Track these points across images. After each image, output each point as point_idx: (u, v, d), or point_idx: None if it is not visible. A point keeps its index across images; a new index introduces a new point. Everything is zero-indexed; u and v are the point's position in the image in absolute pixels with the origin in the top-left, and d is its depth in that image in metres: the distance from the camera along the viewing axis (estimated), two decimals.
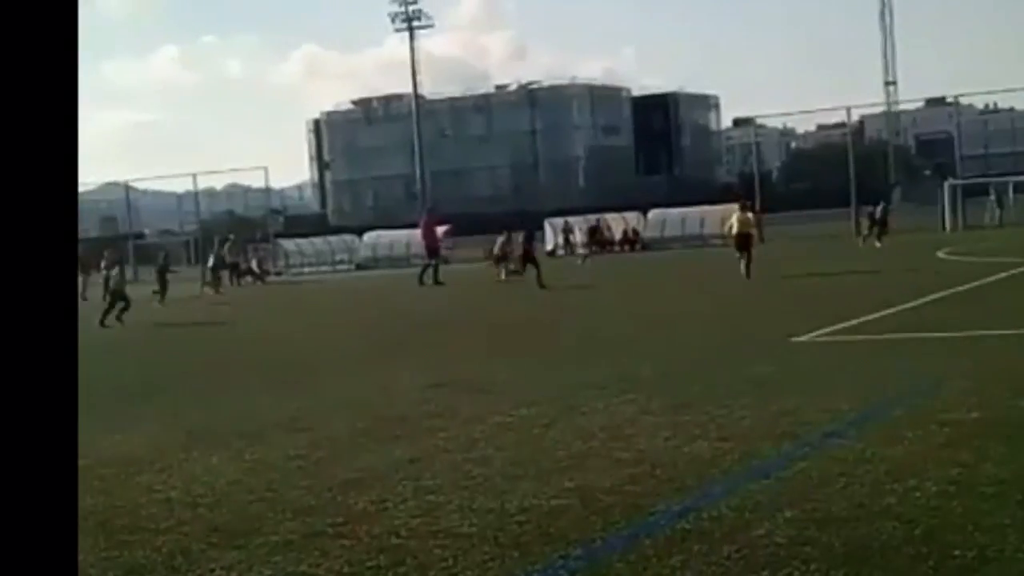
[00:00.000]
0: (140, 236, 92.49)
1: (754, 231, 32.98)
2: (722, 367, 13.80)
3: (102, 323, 28.10)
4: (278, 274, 56.96)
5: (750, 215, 32.91)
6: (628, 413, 10.85)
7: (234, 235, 50.04)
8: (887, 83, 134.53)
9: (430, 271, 38.40)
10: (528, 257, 35.48)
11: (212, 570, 6.63)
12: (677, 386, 12.41)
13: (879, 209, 49.00)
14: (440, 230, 45.35)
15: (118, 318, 28.64)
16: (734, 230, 31.29)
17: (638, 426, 10.14)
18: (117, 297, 29.38)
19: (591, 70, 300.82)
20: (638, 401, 11.46)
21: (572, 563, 6.24)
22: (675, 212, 63.29)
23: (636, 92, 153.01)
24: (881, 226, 47.55)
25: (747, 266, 30.21)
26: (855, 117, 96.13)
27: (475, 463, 9.06)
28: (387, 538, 7.04)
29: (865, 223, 50.15)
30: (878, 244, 44.62)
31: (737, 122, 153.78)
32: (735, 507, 7.12)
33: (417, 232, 45.73)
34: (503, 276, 38.46)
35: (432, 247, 39.76)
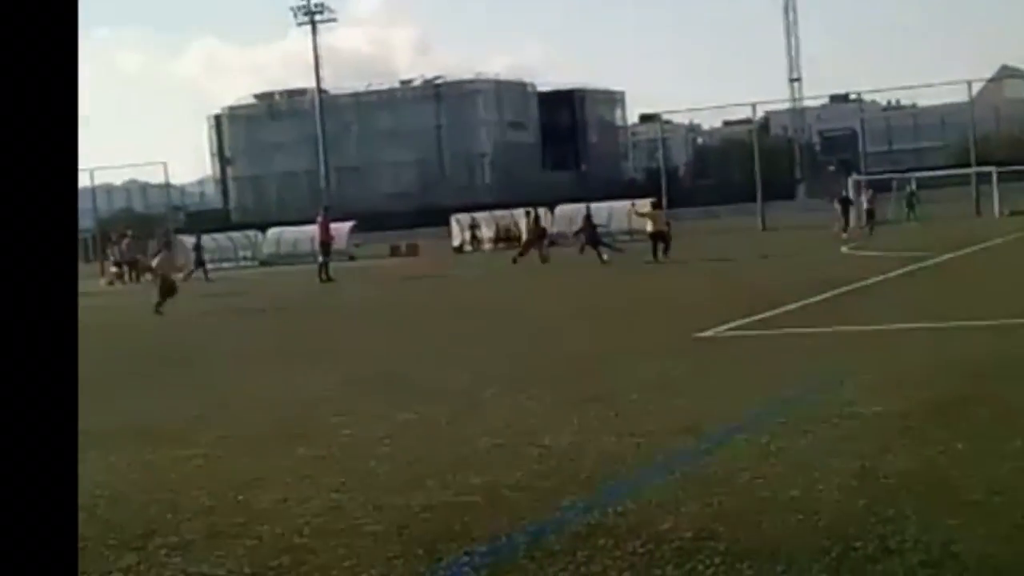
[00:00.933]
0: None
1: (666, 228, 36.64)
2: (628, 362, 13.89)
3: (156, 310, 27.70)
4: (179, 271, 56.41)
5: (662, 213, 37.17)
6: (534, 408, 10.88)
7: (132, 231, 49.33)
8: (792, 80, 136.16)
9: (325, 268, 39.95)
10: (592, 240, 36.89)
11: (109, 572, 6.54)
12: (583, 381, 12.47)
13: (866, 198, 50.50)
14: (344, 227, 45.81)
15: (159, 305, 28.01)
16: (650, 228, 35.31)
17: (544, 421, 10.16)
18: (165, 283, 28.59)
19: (496, 65, 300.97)
20: (543, 396, 11.49)
21: (478, 559, 6.24)
22: (582, 207, 63.57)
23: (542, 88, 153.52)
24: (869, 217, 49.03)
25: (665, 251, 34.92)
26: (760, 113, 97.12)
27: (380, 460, 9.03)
28: (290, 537, 6.99)
29: (844, 216, 50.09)
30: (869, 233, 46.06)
31: (644, 118, 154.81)
32: (641, 502, 7.16)
33: None
34: (544, 259, 38.98)
35: (325, 243, 41.04)
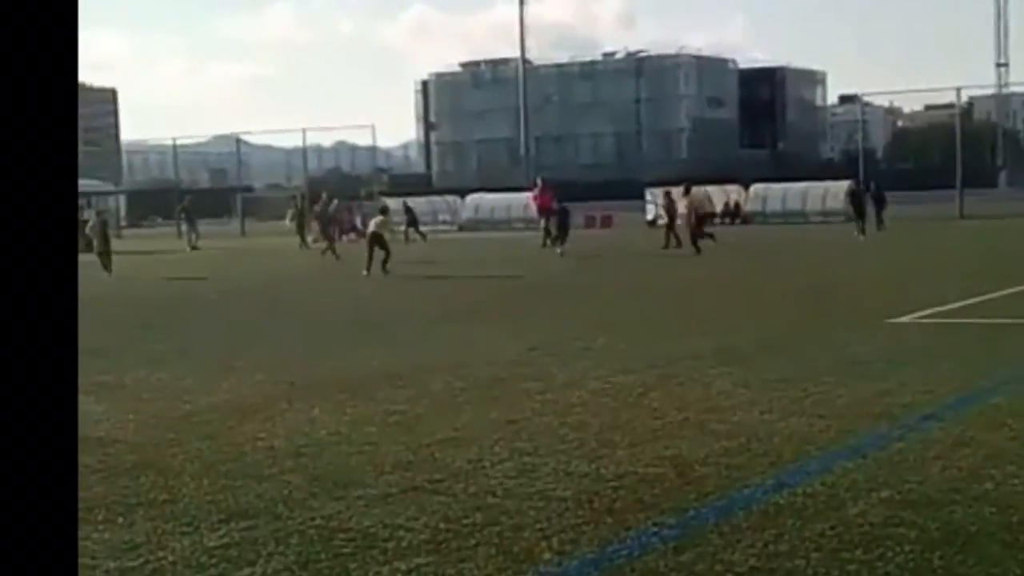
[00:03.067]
0: (249, 189, 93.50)
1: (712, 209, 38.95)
2: (820, 344, 13.67)
3: (383, 269, 27.84)
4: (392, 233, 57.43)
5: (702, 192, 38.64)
6: (724, 386, 10.79)
7: (326, 194, 49.80)
8: (998, 65, 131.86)
9: (551, 237, 37.87)
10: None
11: (312, 519, 6.72)
12: (774, 361, 12.32)
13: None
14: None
15: (384, 264, 28.21)
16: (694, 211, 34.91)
17: (734, 399, 10.08)
18: (377, 243, 28.65)
19: (698, 41, 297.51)
20: (734, 374, 11.39)
21: (666, 532, 6.23)
22: (777, 187, 62.56)
23: (743, 65, 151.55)
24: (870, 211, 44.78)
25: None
26: (964, 98, 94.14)
27: (571, 428, 9.08)
28: (483, 497, 7.09)
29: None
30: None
31: (843, 99, 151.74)
32: (830, 485, 7.06)
33: (520, 196, 46.01)
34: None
35: (544, 209, 40.25)
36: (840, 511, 6.46)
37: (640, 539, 6.16)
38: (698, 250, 32.57)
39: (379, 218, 30.09)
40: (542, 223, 40.46)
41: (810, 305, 18.72)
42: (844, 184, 56.66)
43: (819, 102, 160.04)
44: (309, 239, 46.13)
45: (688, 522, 6.42)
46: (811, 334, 14.79)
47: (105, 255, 31.60)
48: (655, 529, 6.28)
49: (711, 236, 33.99)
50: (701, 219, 35.02)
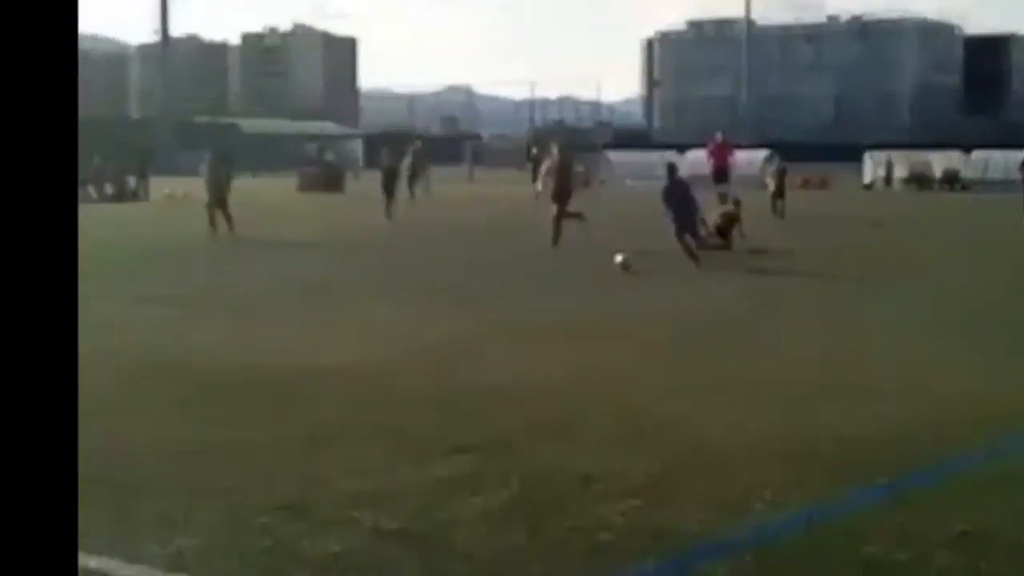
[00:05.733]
0: (477, 137, 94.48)
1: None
2: None
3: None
4: (602, 182, 57.33)
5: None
6: (947, 352, 10.41)
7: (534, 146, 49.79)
8: None
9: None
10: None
11: (533, 458, 6.75)
12: (998, 332, 11.84)
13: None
14: (758, 155, 44.05)
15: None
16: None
17: (953, 367, 9.72)
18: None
19: (923, 6, 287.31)
20: (956, 342, 10.98)
21: (877, 492, 6.07)
22: (999, 154, 60.09)
23: (968, 32, 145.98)
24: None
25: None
26: None
27: (786, 385, 8.91)
28: (699, 446, 7.04)
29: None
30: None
31: None
32: None
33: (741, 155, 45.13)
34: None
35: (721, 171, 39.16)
36: None
37: (852, 498, 6.02)
38: None
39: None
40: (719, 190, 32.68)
41: None
42: None
43: None
44: (538, 185, 46.22)
45: (901, 485, 6.24)
46: None
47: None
48: (867, 489, 6.13)
49: None
50: None
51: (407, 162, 34.92)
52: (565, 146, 27.83)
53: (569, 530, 5.49)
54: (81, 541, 3.32)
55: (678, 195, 18.55)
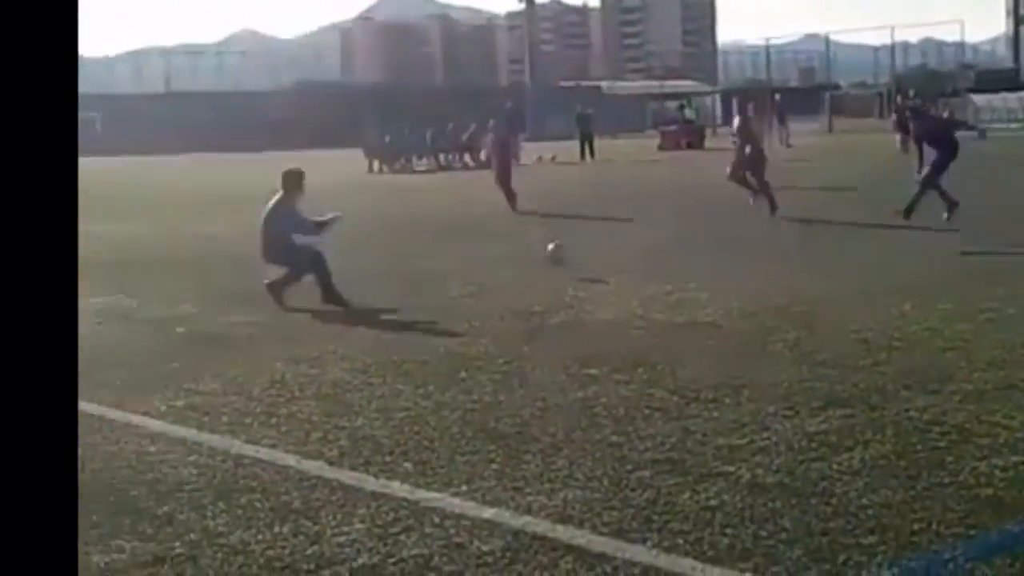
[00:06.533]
0: (836, 87, 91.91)
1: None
2: None
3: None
4: (970, 128, 54.76)
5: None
6: None
7: (922, 94, 47.76)
8: None
9: None
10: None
11: (907, 411, 6.69)
12: None
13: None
14: None
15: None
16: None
17: None
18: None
19: None
20: None
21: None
22: None
23: None
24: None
25: None
26: None
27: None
28: None
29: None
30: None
31: None
32: None
33: None
34: None
35: None
36: None
37: None
38: None
39: None
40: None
41: None
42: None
43: None
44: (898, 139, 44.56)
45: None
46: None
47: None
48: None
49: None
50: None
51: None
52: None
53: (946, 485, 5.42)
54: None
55: None
